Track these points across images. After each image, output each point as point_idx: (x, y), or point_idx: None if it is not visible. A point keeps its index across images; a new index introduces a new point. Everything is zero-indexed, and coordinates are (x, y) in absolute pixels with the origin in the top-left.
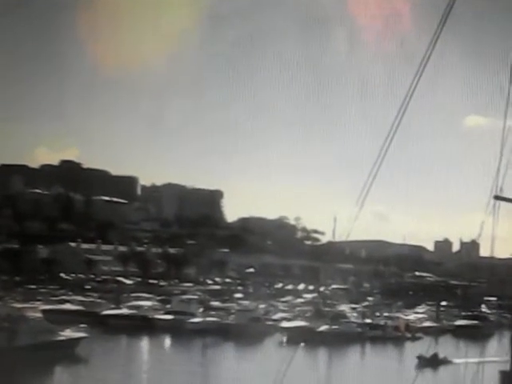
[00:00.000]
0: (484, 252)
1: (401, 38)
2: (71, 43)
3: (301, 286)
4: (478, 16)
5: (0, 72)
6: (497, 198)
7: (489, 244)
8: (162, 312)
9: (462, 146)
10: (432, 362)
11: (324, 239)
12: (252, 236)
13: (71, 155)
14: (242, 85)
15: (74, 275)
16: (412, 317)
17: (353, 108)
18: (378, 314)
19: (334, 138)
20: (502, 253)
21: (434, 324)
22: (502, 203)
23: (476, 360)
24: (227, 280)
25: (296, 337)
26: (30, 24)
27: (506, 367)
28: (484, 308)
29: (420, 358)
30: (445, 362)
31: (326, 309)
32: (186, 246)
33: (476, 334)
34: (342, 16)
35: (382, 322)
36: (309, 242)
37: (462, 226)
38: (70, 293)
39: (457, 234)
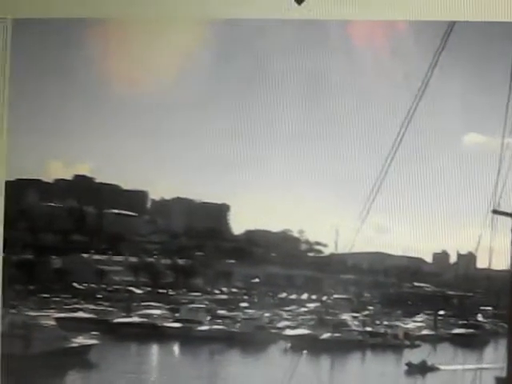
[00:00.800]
0: (480, 264)
1: (402, 59)
2: (84, 60)
3: (304, 296)
4: (476, 39)
5: (16, 88)
6: (495, 212)
7: (486, 256)
8: (171, 320)
9: (461, 162)
10: (420, 369)
11: (326, 251)
12: (257, 248)
13: (84, 170)
14: (247, 101)
15: (86, 285)
16: (411, 325)
17: (355, 125)
18: (378, 322)
19: (337, 154)
20: (498, 265)
21: (432, 332)
22: (499, 217)
23: (465, 367)
24: (233, 290)
25: (299, 344)
26: (43, 41)
27: (501, 373)
28: (480, 317)
29: (409, 364)
30: (432, 368)
31: (329, 317)
32: (194, 257)
33: (472, 342)
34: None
35: (381, 330)
36: (312, 254)
37: (459, 240)
38: (83, 301)
39: (454, 246)
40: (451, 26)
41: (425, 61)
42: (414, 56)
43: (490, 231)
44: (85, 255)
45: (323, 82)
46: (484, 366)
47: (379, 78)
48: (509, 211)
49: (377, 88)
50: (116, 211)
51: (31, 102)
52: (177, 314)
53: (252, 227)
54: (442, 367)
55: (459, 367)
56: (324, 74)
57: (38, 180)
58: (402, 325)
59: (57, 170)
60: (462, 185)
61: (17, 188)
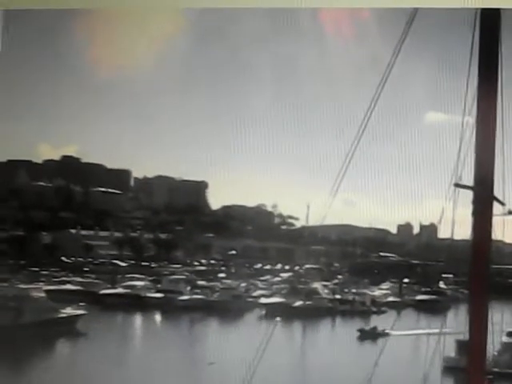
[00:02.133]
0: (442, 234)
1: (368, 44)
2: (71, 48)
3: (278, 266)
4: (439, 25)
5: (3, 78)
6: (457, 185)
7: (447, 227)
8: (153, 291)
9: (424, 140)
10: (371, 335)
11: (298, 224)
12: (234, 222)
13: (71, 151)
14: (225, 85)
15: (73, 259)
16: (377, 292)
17: (325, 107)
18: (346, 290)
19: (309, 134)
20: (458, 235)
21: (397, 299)
22: (461, 191)
23: (415, 332)
24: (212, 261)
25: (274, 311)
26: (32, 30)
27: (462, 337)
28: (442, 284)
29: (361, 330)
30: (383, 334)
31: (301, 286)
32: (175, 231)
33: (435, 308)
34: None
35: (350, 298)
36: (284, 227)
37: (421, 212)
38: (71, 274)
39: (417, 218)
40: (414, 12)
41: (390, 46)
42: (379, 41)
43: (452, 203)
44: (72, 231)
45: (294, 67)
46: (445, 330)
47: (347, 62)
48: (470, 184)
49: (344, 72)
50: (101, 189)
51: (21, 90)
52: (159, 285)
53: (229, 203)
54: (392, 332)
55: (408, 332)
56: (294, 60)
57: (28, 161)
58: (369, 292)
59: (45, 151)
60: (425, 161)
61: (8, 169)
